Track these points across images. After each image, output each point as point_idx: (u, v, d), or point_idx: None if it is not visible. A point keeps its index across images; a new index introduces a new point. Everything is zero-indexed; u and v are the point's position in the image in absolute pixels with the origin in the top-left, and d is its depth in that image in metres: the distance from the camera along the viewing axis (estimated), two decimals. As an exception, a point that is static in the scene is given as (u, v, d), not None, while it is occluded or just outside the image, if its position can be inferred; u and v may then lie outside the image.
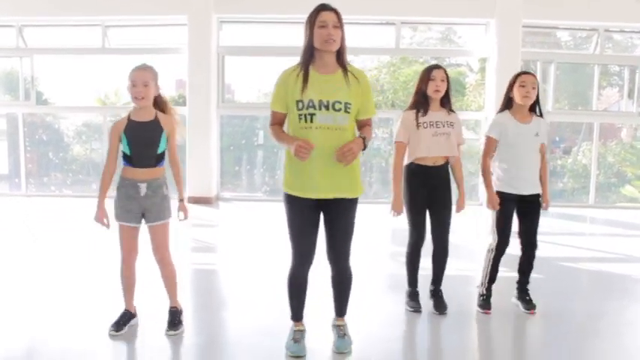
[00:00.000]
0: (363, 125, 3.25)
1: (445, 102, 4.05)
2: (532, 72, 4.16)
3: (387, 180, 11.09)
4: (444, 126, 4.00)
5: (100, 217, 3.54)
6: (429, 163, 3.99)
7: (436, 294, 4.21)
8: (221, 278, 5.44)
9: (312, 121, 3.06)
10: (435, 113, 4.01)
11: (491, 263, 4.11)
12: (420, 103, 4.01)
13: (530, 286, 4.26)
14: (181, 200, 3.68)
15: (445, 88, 4.00)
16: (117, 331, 3.56)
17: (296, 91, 3.08)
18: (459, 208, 4.13)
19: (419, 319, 4.12)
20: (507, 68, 9.57)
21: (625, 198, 11.27)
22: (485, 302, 4.14)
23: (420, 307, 4.10)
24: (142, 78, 3.45)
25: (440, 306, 4.13)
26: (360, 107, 3.17)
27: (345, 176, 3.14)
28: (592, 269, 5.75)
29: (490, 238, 4.13)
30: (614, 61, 11.19)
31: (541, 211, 4.12)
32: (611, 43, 10.97)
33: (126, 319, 3.66)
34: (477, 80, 11.81)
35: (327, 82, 3.09)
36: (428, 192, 3.99)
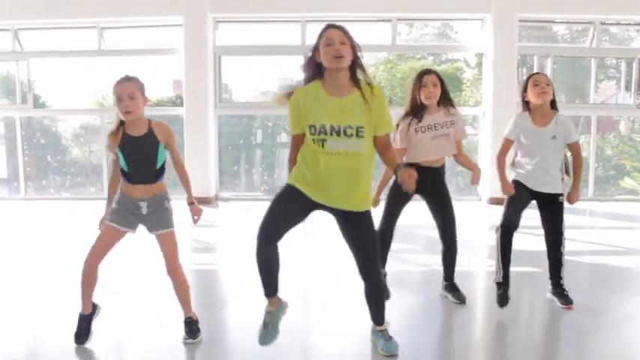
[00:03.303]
0: (383, 145, 3.15)
1: (442, 102, 4.05)
2: (543, 72, 4.15)
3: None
4: (442, 127, 4.00)
5: (103, 221, 3.48)
6: (426, 165, 4.01)
7: (452, 287, 4.25)
8: (221, 278, 5.45)
9: (323, 146, 3.00)
10: (433, 116, 4.02)
11: (498, 243, 4.01)
12: (415, 109, 4.02)
13: (563, 281, 4.18)
14: (191, 203, 3.57)
15: (438, 93, 4.00)
16: (82, 343, 3.43)
17: (309, 115, 3.02)
18: (476, 180, 4.15)
19: (421, 314, 4.13)
20: (504, 63, 9.61)
21: (624, 190, 11.28)
22: (502, 296, 4.04)
23: (388, 293, 4.07)
24: (127, 90, 3.29)
25: (460, 296, 4.18)
26: (377, 123, 3.07)
27: (353, 197, 3.10)
28: (592, 262, 5.75)
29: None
30: (611, 54, 11.18)
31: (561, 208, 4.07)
32: (607, 36, 10.96)
33: (85, 323, 3.48)
34: (474, 75, 11.80)
35: (338, 105, 3.02)
36: (421, 191, 3.94)
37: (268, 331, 3.25)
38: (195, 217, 3.57)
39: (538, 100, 3.94)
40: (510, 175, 4.13)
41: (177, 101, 10.95)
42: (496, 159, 4.16)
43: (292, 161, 3.23)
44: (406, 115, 4.06)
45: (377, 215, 3.67)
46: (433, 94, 3.97)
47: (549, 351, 3.59)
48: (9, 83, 11.02)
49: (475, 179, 4.15)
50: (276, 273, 3.21)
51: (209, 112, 10.07)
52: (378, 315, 3.37)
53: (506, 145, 4.11)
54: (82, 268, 3.43)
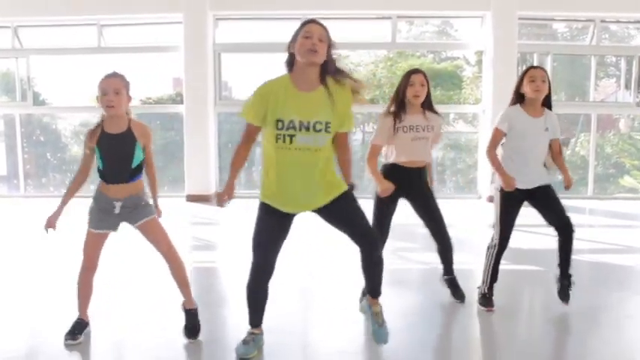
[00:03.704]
0: (341, 143, 3.15)
1: (425, 105, 4.03)
2: (542, 67, 4.11)
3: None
4: (423, 130, 3.99)
5: (51, 219, 3.44)
6: (407, 165, 3.99)
7: (452, 282, 4.24)
8: (221, 276, 5.45)
9: (291, 142, 2.96)
10: (414, 117, 3.98)
11: (493, 259, 4.04)
12: (398, 107, 3.99)
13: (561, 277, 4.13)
14: (155, 207, 3.54)
15: (425, 93, 3.98)
16: (74, 340, 3.43)
17: (276, 109, 2.96)
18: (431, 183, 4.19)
19: (420, 312, 4.13)
20: (504, 61, 9.61)
21: (624, 189, 11.28)
22: (487, 300, 4.08)
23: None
24: (113, 85, 3.29)
25: (459, 294, 4.18)
26: (342, 120, 3.06)
27: (323, 189, 3.08)
28: (592, 261, 5.75)
29: (492, 234, 4.09)
30: (611, 52, 11.17)
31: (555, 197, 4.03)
32: (607, 33, 10.96)
33: (81, 326, 3.52)
34: (474, 73, 11.80)
35: (307, 100, 2.98)
36: (404, 191, 3.96)
37: (249, 346, 3.25)
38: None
39: (533, 96, 3.93)
40: (495, 181, 4.07)
41: (177, 99, 10.94)
42: (487, 153, 4.03)
43: (242, 153, 3.21)
44: (389, 112, 4.01)
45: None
46: (420, 93, 3.94)
47: (549, 350, 3.59)
48: (9, 80, 11.00)
49: (430, 182, 4.18)
50: (264, 307, 3.29)
51: (209, 110, 10.07)
52: (373, 285, 3.33)
53: (497, 135, 4.02)
54: (77, 279, 3.50)
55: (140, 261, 5.32)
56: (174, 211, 8.49)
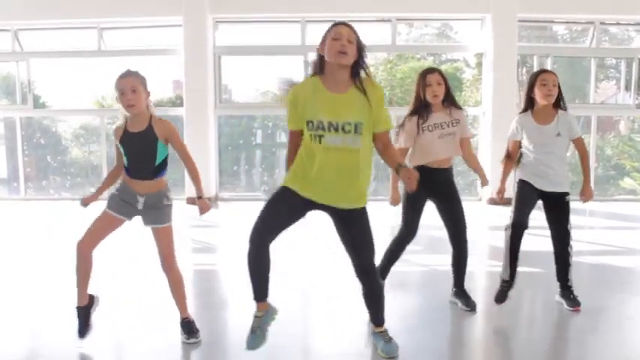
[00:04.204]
0: (382, 143, 3.16)
1: (446, 101, 3.98)
2: (552, 71, 4.12)
3: (387, 177, 11.08)
4: (449, 126, 3.94)
5: (88, 199, 3.50)
6: (434, 166, 3.94)
7: (463, 294, 4.14)
8: (221, 278, 5.45)
9: (320, 142, 2.99)
10: (438, 114, 3.95)
11: (508, 242, 3.98)
12: (421, 108, 3.94)
13: (570, 282, 4.15)
14: (199, 197, 3.52)
15: (443, 91, 3.93)
16: (82, 336, 3.44)
17: (306, 110, 3.01)
18: (484, 182, 4.21)
19: (421, 314, 4.13)
20: (504, 63, 9.62)
21: (624, 190, 11.27)
22: (501, 294, 4.06)
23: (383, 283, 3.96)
24: (129, 84, 3.31)
25: (470, 303, 4.08)
26: (376, 120, 3.06)
27: (345, 192, 3.08)
28: (592, 262, 5.75)
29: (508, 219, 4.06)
30: (611, 54, 11.18)
31: (568, 207, 4.06)
32: (607, 36, 10.96)
33: (84, 317, 3.47)
34: (474, 76, 11.80)
35: (337, 101, 3.00)
36: (431, 191, 3.92)
37: (256, 335, 3.19)
38: (201, 212, 3.50)
39: (543, 101, 3.92)
40: (516, 175, 4.12)
41: (177, 102, 10.94)
42: (503, 162, 4.15)
43: (291, 159, 3.20)
44: (411, 114, 3.98)
45: (376, 215, 3.67)
46: (438, 92, 3.91)
47: (550, 352, 3.58)
48: (9, 83, 11.02)
49: (484, 181, 4.20)
50: (266, 277, 3.19)
51: (209, 113, 10.08)
52: (377, 316, 3.35)
53: (514, 147, 4.09)
54: (75, 250, 3.41)
55: (140, 262, 5.32)
56: (174, 214, 8.44)
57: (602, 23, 10.25)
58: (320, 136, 2.98)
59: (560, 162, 4.00)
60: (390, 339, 3.33)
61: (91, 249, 3.42)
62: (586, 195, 4.12)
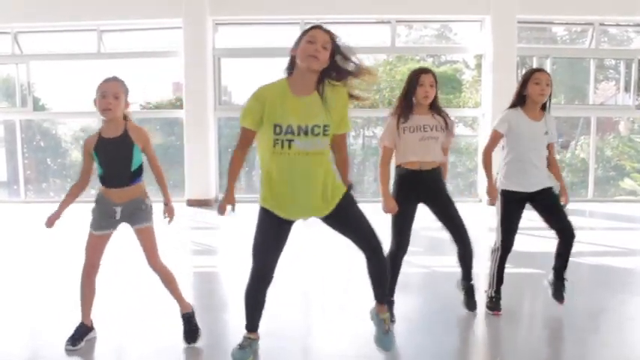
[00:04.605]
0: (338, 144, 3.13)
1: (433, 106, 3.89)
2: (545, 70, 4.11)
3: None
4: (432, 130, 3.82)
5: (52, 218, 3.49)
6: (415, 167, 3.83)
7: (469, 289, 4.10)
8: (222, 280, 5.45)
9: (290, 147, 2.92)
10: (422, 117, 3.84)
11: (497, 263, 4.02)
12: (404, 107, 3.85)
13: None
14: (166, 204, 3.51)
15: (434, 94, 3.85)
16: (73, 345, 3.42)
17: (274, 114, 2.92)
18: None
19: (421, 316, 4.13)
20: (503, 64, 9.63)
21: (624, 191, 11.27)
22: (495, 304, 4.06)
23: (393, 317, 3.82)
24: (113, 89, 3.31)
25: (471, 304, 4.06)
26: (339, 122, 3.03)
27: (320, 196, 3.04)
28: (592, 263, 5.74)
29: (494, 237, 4.07)
30: (610, 54, 11.19)
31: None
32: (606, 36, 10.98)
33: (82, 332, 3.51)
34: (474, 77, 11.81)
35: (304, 104, 2.94)
36: (421, 195, 3.85)
37: (245, 351, 3.22)
38: (168, 218, 3.54)
39: (536, 99, 3.92)
40: (498, 182, 4.07)
41: (177, 104, 10.94)
42: (484, 154, 4.06)
43: (239, 160, 3.16)
44: (395, 112, 3.88)
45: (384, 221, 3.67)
46: (429, 94, 3.82)
47: (550, 353, 3.58)
48: (9, 86, 11.03)
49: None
50: (262, 311, 3.25)
51: (209, 115, 10.08)
52: (379, 290, 3.27)
53: (496, 137, 4.03)
54: (80, 283, 3.48)
55: (140, 265, 5.31)
56: (176, 216, 8.43)
57: (601, 24, 10.27)
58: (290, 141, 2.92)
59: (544, 160, 4.00)
60: (388, 330, 3.29)
61: (94, 275, 3.49)
62: (566, 199, 4.06)
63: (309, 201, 3.04)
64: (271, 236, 3.12)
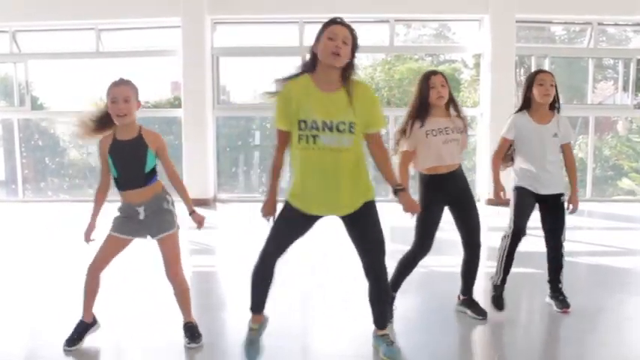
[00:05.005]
0: (373, 144, 3.12)
1: (450, 105, 3.84)
2: (549, 71, 4.11)
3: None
4: (453, 132, 3.78)
5: (88, 232, 3.45)
6: (444, 171, 3.77)
7: (472, 302, 4.03)
8: (220, 280, 5.45)
9: (314, 142, 2.91)
10: (441, 119, 3.78)
11: (506, 250, 3.97)
12: (420, 111, 3.78)
13: (561, 285, 4.15)
14: (192, 213, 3.51)
15: (447, 93, 3.78)
16: (69, 346, 3.40)
17: (299, 109, 2.92)
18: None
19: (419, 316, 4.13)
20: (502, 64, 9.62)
21: (622, 191, 11.29)
22: (498, 300, 4.05)
23: (392, 316, 3.80)
24: (123, 93, 3.28)
25: (481, 311, 3.97)
26: (367, 120, 3.01)
27: (350, 193, 3.03)
28: (590, 263, 5.75)
29: (506, 227, 4.03)
30: (608, 54, 11.22)
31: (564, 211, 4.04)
32: (604, 36, 10.99)
33: (81, 330, 3.48)
34: (472, 76, 11.82)
35: (330, 100, 2.93)
36: (448, 197, 3.78)
37: (254, 348, 3.22)
38: (199, 226, 3.55)
39: (541, 100, 3.91)
40: (509, 180, 4.09)
41: (176, 103, 10.94)
42: (492, 159, 4.11)
43: (278, 164, 3.12)
44: (410, 117, 3.81)
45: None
46: (443, 94, 3.76)
47: (548, 353, 3.59)
48: (7, 85, 11.00)
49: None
50: (268, 290, 3.21)
51: (207, 114, 10.07)
52: (380, 318, 3.30)
53: (504, 144, 4.06)
54: (85, 276, 3.45)
55: (141, 263, 5.31)
56: (180, 215, 8.42)
57: (599, 24, 10.27)
58: (314, 137, 2.91)
59: (555, 163, 4.00)
60: (392, 342, 3.29)
61: (101, 271, 3.45)
62: (575, 204, 4.06)
63: (334, 198, 3.03)
64: (290, 229, 3.12)
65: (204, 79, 9.94)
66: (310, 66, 3.02)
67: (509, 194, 4.07)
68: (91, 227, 3.47)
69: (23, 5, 9.82)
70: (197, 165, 9.89)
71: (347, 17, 9.76)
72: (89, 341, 3.51)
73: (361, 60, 12.15)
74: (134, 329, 3.85)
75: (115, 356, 3.51)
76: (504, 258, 4.03)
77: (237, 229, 7.79)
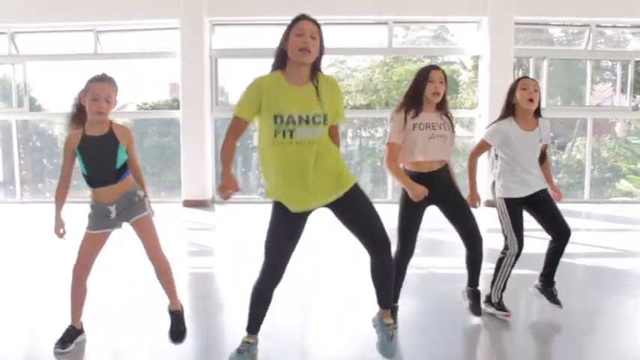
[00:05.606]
0: (332, 134, 3.13)
1: (441, 104, 3.79)
2: (533, 78, 4.09)
3: (383, 179, 11.09)
4: (440, 128, 3.72)
5: (57, 228, 3.45)
6: (424, 170, 3.70)
7: (474, 295, 4.00)
8: (218, 281, 5.44)
9: (291, 136, 2.92)
10: (430, 114, 3.74)
11: (510, 268, 3.98)
12: (412, 103, 3.73)
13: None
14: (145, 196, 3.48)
15: (444, 91, 3.74)
16: (62, 348, 3.39)
17: (272, 104, 2.92)
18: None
19: (418, 317, 4.13)
20: (500, 66, 9.64)
21: (620, 192, 11.30)
22: (502, 306, 4.03)
23: (396, 323, 3.71)
24: (105, 92, 3.26)
25: (476, 309, 3.97)
26: (335, 112, 3.04)
27: (329, 181, 3.03)
28: (588, 265, 5.76)
29: (505, 244, 3.99)
30: (607, 56, 11.23)
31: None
32: (603, 38, 11.00)
33: (71, 335, 3.46)
34: (471, 78, 11.83)
35: (302, 94, 2.95)
36: (432, 197, 3.68)
37: (243, 356, 3.17)
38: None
39: (525, 106, 3.88)
40: (496, 191, 4.05)
41: (174, 104, 10.94)
42: (469, 159, 4.03)
43: (231, 148, 3.05)
44: (401, 107, 3.74)
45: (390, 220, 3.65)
46: (439, 90, 3.70)
47: (546, 354, 3.59)
48: (5, 86, 11.00)
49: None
50: (266, 312, 3.21)
51: (205, 115, 10.07)
52: (386, 297, 3.23)
53: (484, 146, 4.01)
54: (71, 279, 3.43)
55: (133, 265, 5.31)
56: (170, 217, 8.51)
57: (598, 26, 10.29)
58: (291, 131, 2.92)
59: (537, 165, 4.00)
60: (392, 337, 3.22)
61: (87, 271, 3.44)
62: (559, 194, 4.08)
63: (316, 189, 3.00)
64: (284, 231, 3.09)
65: (203, 80, 9.95)
66: (280, 63, 3.03)
67: (498, 203, 4.02)
68: (59, 223, 3.47)
69: (22, 6, 9.82)
70: (195, 166, 9.90)
71: (345, 19, 9.79)
72: (81, 343, 3.51)
73: (359, 62, 12.17)
74: (128, 332, 3.85)
75: (112, 357, 3.50)
76: (507, 275, 4.02)
77: (235, 231, 7.78)
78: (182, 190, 9.97)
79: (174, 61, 10.04)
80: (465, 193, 3.93)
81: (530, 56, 10.43)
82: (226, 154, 3.06)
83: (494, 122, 4.07)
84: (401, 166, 3.76)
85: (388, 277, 3.20)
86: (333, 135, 3.15)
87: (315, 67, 3.01)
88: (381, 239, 3.07)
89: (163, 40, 10.36)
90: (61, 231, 3.46)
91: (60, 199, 3.49)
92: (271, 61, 3.12)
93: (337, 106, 3.06)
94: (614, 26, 10.87)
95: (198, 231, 7.73)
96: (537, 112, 3.99)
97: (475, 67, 11.13)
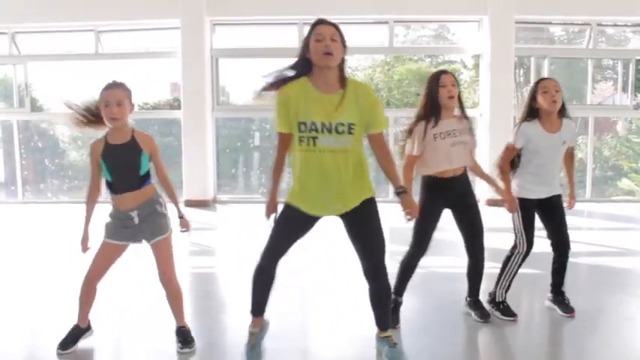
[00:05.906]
0: (375, 144, 3.10)
1: (459, 107, 3.79)
2: (552, 77, 4.03)
3: (385, 179, 11.05)
4: (460, 134, 3.71)
5: (84, 240, 3.44)
6: (450, 175, 3.72)
7: (477, 304, 4.01)
8: (220, 281, 5.44)
9: (314, 144, 2.92)
10: (449, 121, 3.71)
11: (517, 267, 3.98)
12: (430, 112, 3.67)
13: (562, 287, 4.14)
14: (181, 217, 3.52)
15: (457, 92, 3.70)
16: (64, 349, 3.38)
17: (299, 111, 2.93)
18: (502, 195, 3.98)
19: (418, 317, 4.13)
20: (501, 65, 9.63)
21: (622, 191, 11.29)
22: (508, 310, 4.00)
23: (398, 320, 3.85)
24: (116, 97, 3.27)
25: (484, 314, 3.95)
26: (368, 121, 3.01)
27: (351, 194, 3.04)
28: (590, 263, 5.75)
29: (515, 243, 3.99)
30: (608, 55, 11.22)
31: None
32: (604, 37, 10.99)
33: (75, 335, 3.46)
34: (472, 77, 11.82)
35: (329, 102, 2.93)
36: (449, 200, 3.74)
37: (256, 352, 3.21)
38: (184, 230, 3.56)
39: (549, 108, 3.79)
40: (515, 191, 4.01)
41: (175, 104, 10.94)
42: (499, 166, 3.98)
43: (279, 167, 3.14)
44: (419, 118, 3.71)
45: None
46: (454, 93, 3.65)
47: (549, 353, 3.58)
48: (6, 87, 11.01)
49: (501, 192, 3.97)
50: (269, 293, 3.21)
51: (207, 115, 10.07)
52: (383, 319, 3.27)
53: (512, 150, 3.94)
54: (81, 284, 3.43)
55: (137, 266, 5.31)
56: (172, 217, 8.44)
57: (599, 24, 10.28)
58: (314, 138, 2.93)
59: (558, 168, 3.98)
60: (395, 344, 3.25)
61: (98, 280, 3.44)
62: (573, 202, 4.11)
63: (335, 198, 3.03)
64: (292, 230, 3.12)
65: (204, 80, 9.94)
66: (306, 69, 3.02)
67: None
68: (86, 236, 3.45)
69: (23, 7, 9.82)
70: (197, 166, 9.89)
71: (346, 18, 9.81)
72: (83, 344, 3.50)
73: (360, 61, 12.17)
74: (132, 332, 3.85)
75: (113, 357, 3.50)
76: (514, 273, 4.01)
77: (236, 231, 7.78)
78: (183, 189, 9.96)
79: (175, 60, 10.03)
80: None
81: (531, 55, 10.42)
82: (276, 171, 3.15)
83: (518, 124, 3.97)
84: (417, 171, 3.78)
85: (384, 302, 3.25)
86: (376, 145, 3.11)
87: (342, 71, 3.00)
88: (375, 265, 3.12)
89: (164, 40, 10.36)
90: (88, 245, 3.45)
91: (89, 209, 3.47)
92: (271, 61, 3.13)
93: (372, 113, 3.01)
94: (615, 25, 10.85)
95: (199, 230, 7.73)
96: (562, 112, 3.90)
97: (476, 66, 11.12)
